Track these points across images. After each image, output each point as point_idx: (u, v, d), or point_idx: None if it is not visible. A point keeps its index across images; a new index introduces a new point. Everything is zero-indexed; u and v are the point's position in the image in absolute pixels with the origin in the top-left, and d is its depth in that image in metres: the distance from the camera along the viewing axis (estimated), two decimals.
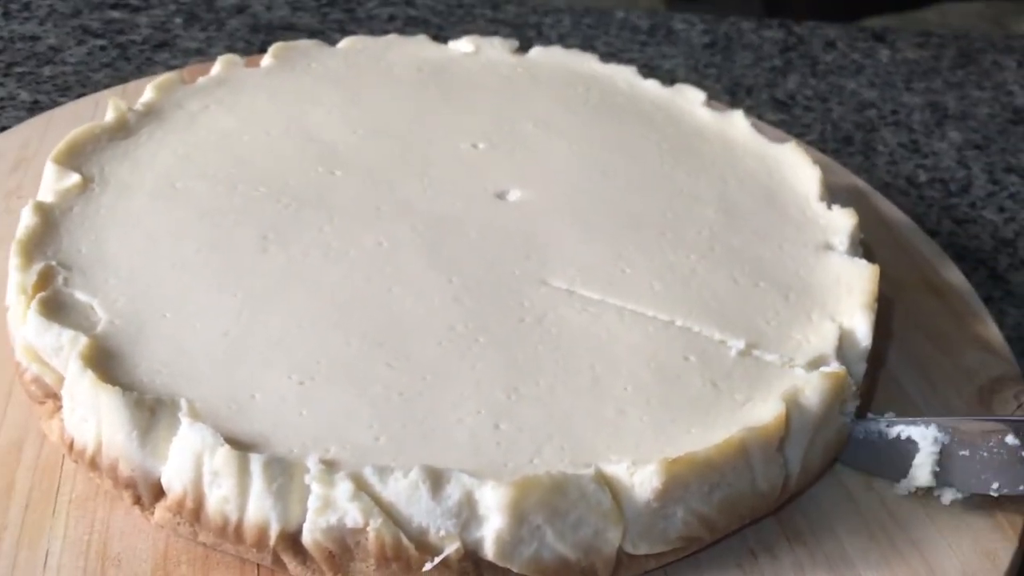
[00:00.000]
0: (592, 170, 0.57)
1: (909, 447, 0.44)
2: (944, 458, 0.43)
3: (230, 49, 0.91)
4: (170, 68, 0.85)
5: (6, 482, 0.41)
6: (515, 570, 0.37)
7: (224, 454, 0.36)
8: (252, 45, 0.90)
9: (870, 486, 0.45)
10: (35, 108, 0.79)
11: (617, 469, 0.38)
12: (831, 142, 0.83)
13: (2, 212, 0.56)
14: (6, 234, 0.53)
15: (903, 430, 0.44)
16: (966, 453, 0.43)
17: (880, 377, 0.51)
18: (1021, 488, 0.42)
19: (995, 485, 0.43)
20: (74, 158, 0.52)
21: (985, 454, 0.43)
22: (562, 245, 0.51)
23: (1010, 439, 0.42)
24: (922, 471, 0.43)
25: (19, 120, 0.74)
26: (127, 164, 0.53)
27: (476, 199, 0.54)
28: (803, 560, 0.41)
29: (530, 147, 0.58)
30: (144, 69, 0.86)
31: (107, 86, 0.77)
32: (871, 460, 0.45)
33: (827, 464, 0.45)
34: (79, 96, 0.76)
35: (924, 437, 0.43)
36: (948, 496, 0.44)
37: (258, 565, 0.38)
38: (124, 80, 0.81)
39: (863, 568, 0.41)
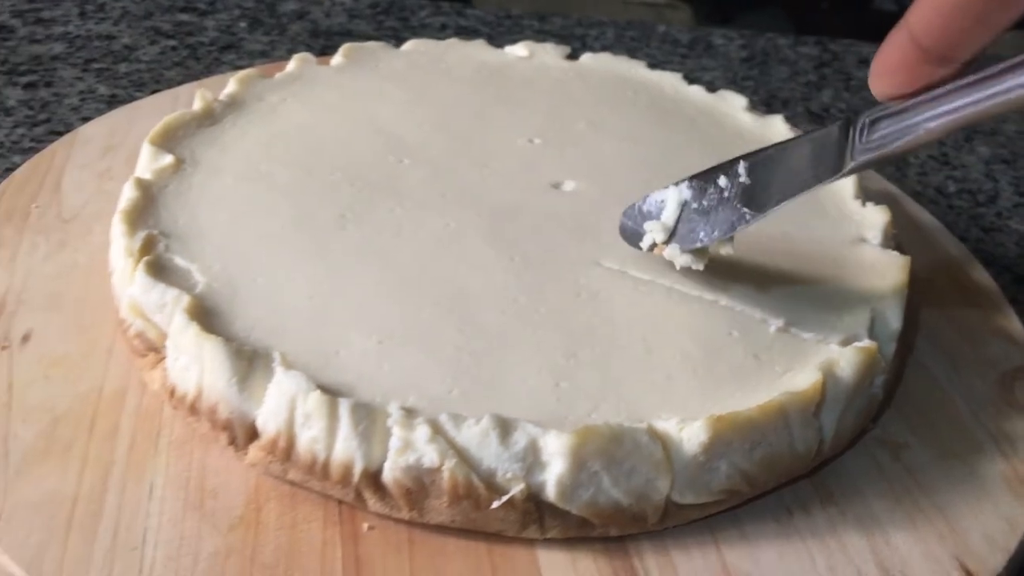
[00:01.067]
0: (640, 166, 0.61)
1: (661, 208, 0.45)
2: (683, 215, 0.44)
3: (291, 52, 0.96)
4: (236, 68, 0.90)
5: (111, 425, 0.45)
6: (573, 512, 0.41)
7: (316, 398, 0.41)
8: (312, 49, 0.95)
9: (897, 456, 0.48)
10: (113, 101, 0.84)
11: (667, 425, 0.42)
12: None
13: (95, 192, 0.61)
14: (100, 211, 0.58)
15: (662, 193, 0.45)
16: (695, 205, 0.43)
17: (909, 362, 0.54)
18: (715, 234, 0.43)
19: (701, 235, 0.43)
20: (167, 141, 0.57)
21: (704, 203, 0.43)
22: (613, 231, 0.55)
23: (722, 180, 0.43)
24: (655, 227, 0.45)
25: (99, 112, 0.79)
26: (215, 148, 0.58)
27: (533, 188, 0.58)
28: (835, 519, 0.45)
29: (582, 144, 0.63)
30: (212, 68, 0.92)
31: (179, 83, 0.82)
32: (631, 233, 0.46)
33: (857, 433, 0.48)
34: (153, 92, 0.81)
35: (673, 197, 0.44)
36: (670, 253, 0.45)
37: (339, 501, 0.42)
38: (195, 78, 0.86)
39: (891, 528, 0.45)
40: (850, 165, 0.41)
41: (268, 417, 0.42)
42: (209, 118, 0.60)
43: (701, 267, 0.46)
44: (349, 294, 0.48)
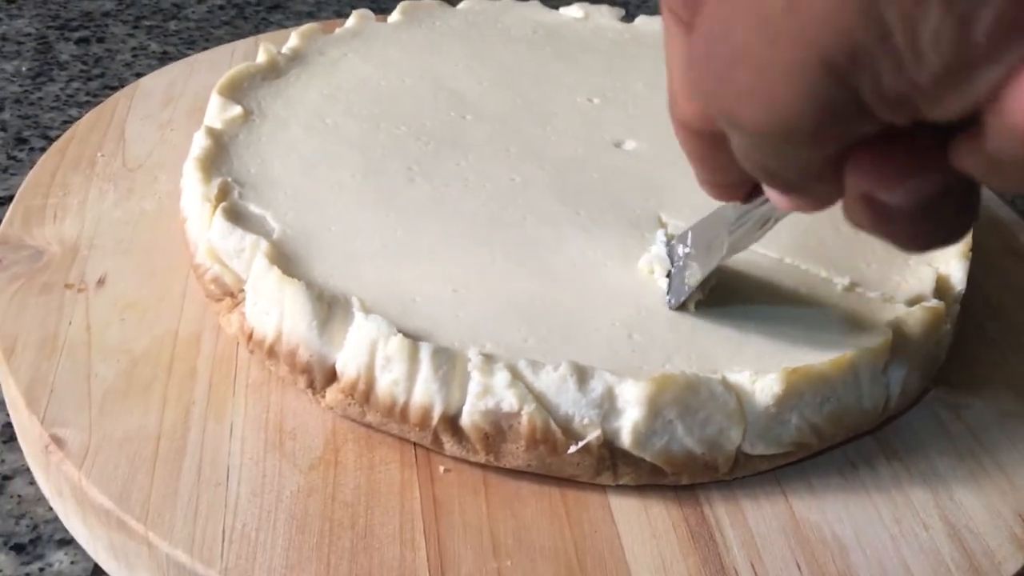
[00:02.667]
0: None
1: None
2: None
3: (338, 14, 0.96)
4: (283, 28, 0.91)
5: (189, 367, 0.46)
6: (647, 459, 0.42)
7: (397, 342, 0.41)
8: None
9: (958, 415, 0.49)
10: (164, 58, 0.84)
11: (741, 377, 0.42)
12: None
13: (158, 142, 0.61)
14: (164, 160, 0.59)
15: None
16: (679, 263, 0.46)
17: (967, 323, 0.55)
18: (671, 300, 0.46)
19: (671, 300, 0.46)
20: (234, 92, 0.57)
21: (680, 263, 0.46)
22: (677, 189, 0.55)
23: (682, 248, 0.46)
24: (664, 282, 0.47)
25: (151, 68, 0.80)
26: (280, 100, 0.58)
27: (595, 146, 0.58)
28: (899, 474, 0.45)
29: (641, 104, 0.63)
30: (260, 28, 0.92)
31: (227, 41, 0.83)
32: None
33: (921, 391, 0.49)
34: (203, 49, 0.81)
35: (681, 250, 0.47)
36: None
37: (415, 444, 0.43)
38: (242, 36, 0.86)
39: (954, 484, 0.45)
40: (731, 247, 0.42)
41: (348, 360, 0.43)
42: (273, 71, 0.60)
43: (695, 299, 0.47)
44: (421, 244, 0.49)
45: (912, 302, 0.49)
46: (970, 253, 0.52)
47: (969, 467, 0.46)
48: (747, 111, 0.24)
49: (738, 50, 0.24)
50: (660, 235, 0.51)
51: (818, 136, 0.24)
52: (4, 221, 0.54)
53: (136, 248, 0.52)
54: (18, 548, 0.44)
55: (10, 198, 0.64)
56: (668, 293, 0.47)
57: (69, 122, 0.74)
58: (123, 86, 0.74)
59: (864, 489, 0.44)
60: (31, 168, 0.64)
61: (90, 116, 0.63)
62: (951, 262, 0.51)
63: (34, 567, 0.43)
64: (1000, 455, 0.47)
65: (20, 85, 0.79)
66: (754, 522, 0.42)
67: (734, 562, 0.40)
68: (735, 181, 0.33)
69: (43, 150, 0.70)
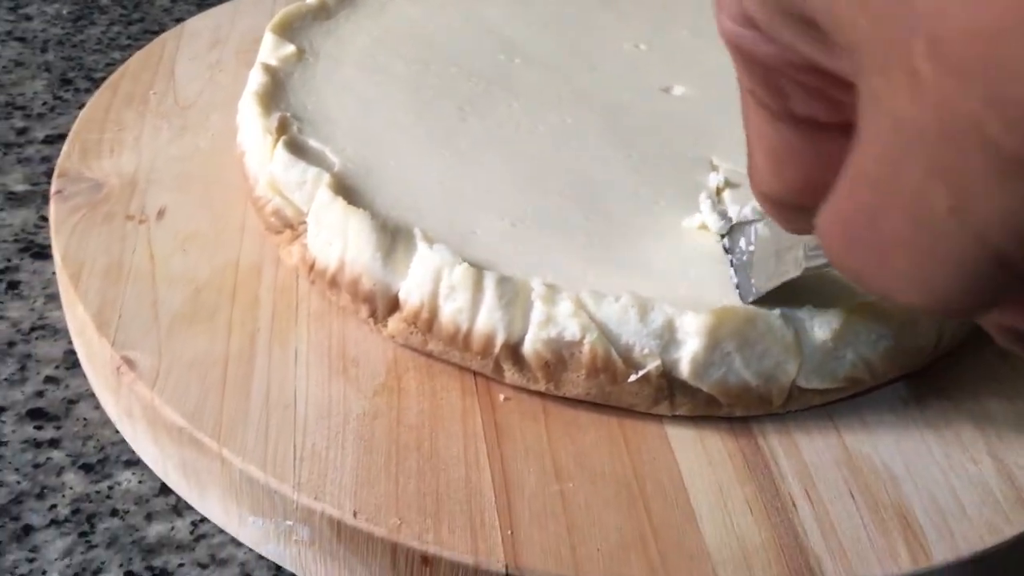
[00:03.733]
0: None
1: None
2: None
3: None
4: None
5: (252, 296, 0.47)
6: (704, 389, 0.43)
7: (462, 271, 0.42)
8: None
9: (1005, 358, 0.50)
10: (203, 3, 0.85)
11: (799, 312, 0.43)
12: None
13: (208, 82, 0.62)
14: (214, 99, 0.60)
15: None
16: (741, 256, 0.45)
17: None
18: (739, 293, 0.44)
19: (738, 292, 0.44)
20: (287, 31, 0.58)
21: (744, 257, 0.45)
22: (726, 134, 0.56)
23: (742, 242, 0.45)
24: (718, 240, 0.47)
25: (190, 13, 0.80)
26: (331, 40, 0.59)
27: (643, 91, 0.59)
28: (949, 412, 0.46)
29: (687, 50, 0.63)
30: None
31: None
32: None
33: (968, 334, 0.49)
34: None
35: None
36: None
37: (475, 373, 0.44)
38: None
39: (1003, 424, 0.46)
40: (806, 269, 0.41)
41: (412, 289, 0.43)
42: (324, 12, 0.61)
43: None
44: (478, 180, 0.49)
45: None
46: None
47: (1017, 408, 0.47)
48: (900, 291, 0.23)
49: (890, 240, 0.22)
50: (712, 177, 0.52)
51: (977, 311, 0.23)
52: (62, 154, 0.54)
53: (193, 183, 0.53)
54: (87, 468, 0.45)
55: (59, 136, 0.66)
56: (733, 276, 0.46)
57: (112, 64, 0.75)
58: (163, 30, 0.74)
59: (915, 425, 0.45)
60: (77, 108, 0.64)
61: (140, 55, 0.64)
62: None
63: (103, 485, 0.44)
64: None
65: (62, 28, 0.79)
66: (807, 453, 0.43)
67: (789, 490, 0.41)
68: None
69: (88, 91, 0.71)
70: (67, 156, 0.54)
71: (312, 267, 0.46)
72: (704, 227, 0.48)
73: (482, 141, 0.52)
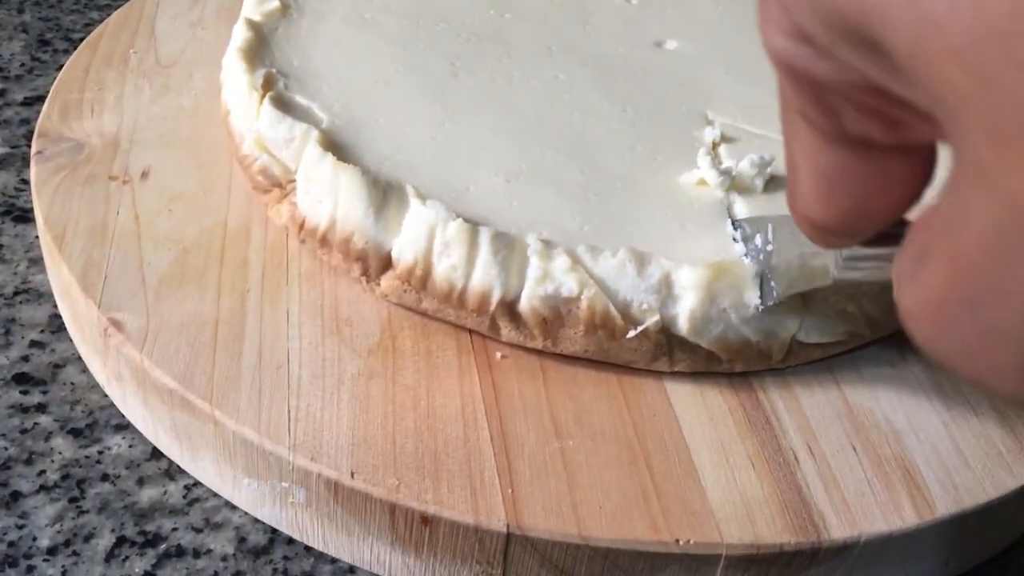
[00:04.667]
0: (740, 26, 0.61)
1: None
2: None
3: None
4: None
5: (240, 257, 0.46)
6: (703, 345, 0.42)
7: (457, 227, 0.41)
8: None
9: None
10: None
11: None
12: None
13: (190, 39, 0.60)
14: (197, 57, 0.58)
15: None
16: (757, 255, 0.42)
17: None
18: (761, 300, 0.41)
19: (761, 299, 0.42)
20: None
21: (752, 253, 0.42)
22: (720, 88, 0.55)
23: (758, 239, 0.42)
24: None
25: None
26: None
27: (637, 46, 0.58)
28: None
29: (680, 5, 0.62)
30: None
31: None
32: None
33: None
34: None
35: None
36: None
37: (471, 331, 0.43)
38: None
39: None
40: (839, 279, 0.39)
41: (405, 246, 0.42)
42: None
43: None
44: (471, 135, 0.48)
45: None
46: None
47: None
48: (999, 383, 0.22)
49: (994, 332, 0.21)
50: (708, 132, 0.51)
51: None
52: (42, 115, 0.53)
53: (177, 142, 0.52)
54: (75, 432, 0.44)
55: (38, 98, 0.64)
56: (746, 258, 0.43)
57: (91, 24, 0.73)
58: None
59: (914, 377, 0.45)
60: (56, 70, 0.63)
61: (119, 14, 0.62)
62: None
63: (92, 450, 0.43)
64: None
65: None
66: (808, 407, 0.43)
67: (791, 444, 0.41)
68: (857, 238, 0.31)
69: (66, 52, 0.69)
70: (47, 116, 0.53)
71: (302, 226, 0.45)
72: (703, 182, 0.47)
73: (474, 96, 0.51)
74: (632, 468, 0.39)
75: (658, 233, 0.45)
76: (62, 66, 0.57)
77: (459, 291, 0.42)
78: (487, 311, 0.42)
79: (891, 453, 0.41)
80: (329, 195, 0.44)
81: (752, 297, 0.42)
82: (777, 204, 0.47)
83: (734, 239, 0.44)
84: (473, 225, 0.41)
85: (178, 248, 0.46)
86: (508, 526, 0.36)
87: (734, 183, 0.47)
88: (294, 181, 0.46)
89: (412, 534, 0.38)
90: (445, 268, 0.42)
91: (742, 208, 0.47)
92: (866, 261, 0.36)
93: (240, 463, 0.39)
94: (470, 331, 0.44)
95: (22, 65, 0.68)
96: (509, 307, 0.42)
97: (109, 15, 0.63)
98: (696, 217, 0.46)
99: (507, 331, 0.42)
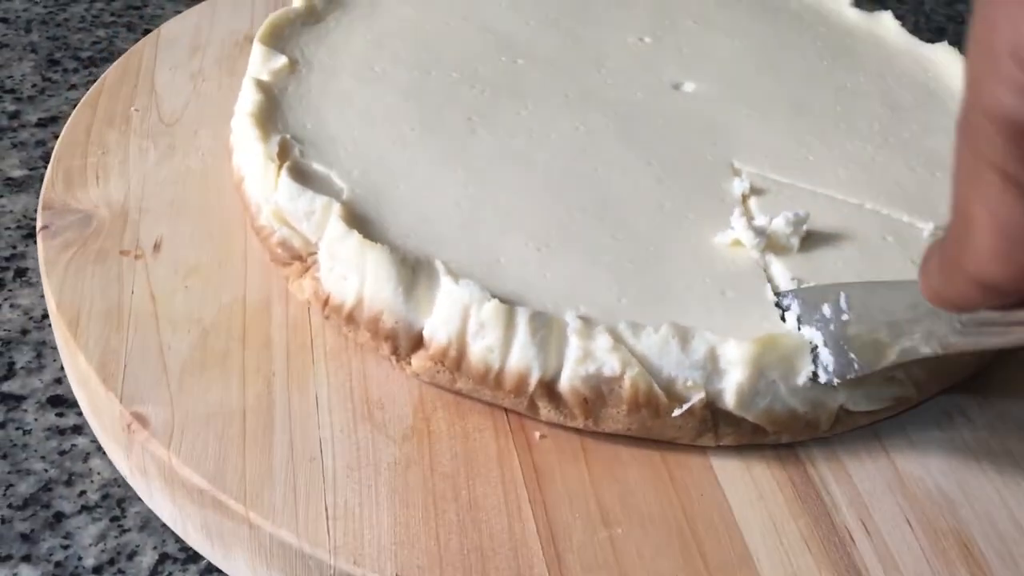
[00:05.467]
0: (758, 65, 0.59)
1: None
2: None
3: None
4: None
5: (263, 336, 0.44)
6: (750, 419, 0.41)
7: (492, 307, 0.40)
8: None
9: None
10: None
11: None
12: (925, 32, 0.85)
13: (192, 93, 0.58)
14: (201, 114, 0.57)
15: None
16: (806, 318, 0.41)
17: None
18: (831, 374, 0.40)
19: (822, 375, 0.40)
20: (276, 40, 0.54)
21: (813, 325, 0.41)
22: (744, 132, 0.54)
23: (826, 309, 0.40)
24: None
25: (165, 19, 0.76)
26: (324, 48, 0.55)
27: (654, 89, 0.56)
28: (994, 422, 0.45)
29: (694, 42, 0.61)
30: None
31: None
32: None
33: None
34: None
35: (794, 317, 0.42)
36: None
37: (507, 410, 0.42)
38: None
39: None
40: (952, 346, 0.38)
41: (438, 326, 0.41)
42: (312, 15, 0.57)
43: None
44: (497, 199, 0.47)
45: None
46: None
47: None
48: None
49: None
50: (737, 184, 0.50)
51: None
52: (45, 184, 0.51)
53: (188, 210, 0.50)
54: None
55: (51, 119, 0.63)
56: (814, 353, 0.41)
57: (97, 42, 0.72)
58: (146, 5, 0.71)
59: (962, 440, 0.44)
60: (67, 90, 0.61)
61: (116, 67, 0.60)
62: None
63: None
64: None
65: (44, 7, 0.76)
66: (858, 479, 0.41)
67: (844, 521, 0.40)
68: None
69: (76, 71, 0.68)
70: (50, 186, 0.51)
71: (327, 302, 0.44)
72: (738, 243, 0.46)
73: (496, 154, 0.50)
74: (685, 556, 0.38)
75: (698, 302, 0.43)
76: (73, 86, 0.56)
77: (496, 372, 0.41)
78: (526, 392, 0.40)
79: (947, 526, 0.40)
80: (355, 272, 0.42)
81: (820, 373, 0.40)
82: (814, 263, 0.46)
83: (779, 306, 0.43)
84: (510, 306, 0.40)
85: (198, 329, 0.44)
86: None
87: (769, 242, 0.46)
88: (315, 254, 0.45)
89: None
90: (481, 349, 0.40)
91: (779, 269, 0.45)
92: (990, 327, 0.35)
93: (277, 564, 0.38)
94: (507, 410, 0.42)
95: (33, 86, 0.67)
96: (548, 387, 0.40)
97: (115, 32, 0.61)
98: (735, 282, 0.44)
99: (546, 411, 0.41)
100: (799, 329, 0.41)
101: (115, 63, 0.61)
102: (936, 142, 0.54)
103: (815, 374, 0.40)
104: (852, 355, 0.40)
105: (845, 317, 0.40)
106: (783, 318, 0.42)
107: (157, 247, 0.48)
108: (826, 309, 0.41)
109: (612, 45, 0.59)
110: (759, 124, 0.54)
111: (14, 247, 0.54)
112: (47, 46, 0.71)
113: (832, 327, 0.40)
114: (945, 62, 0.61)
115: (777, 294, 0.43)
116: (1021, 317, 0.33)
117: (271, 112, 0.49)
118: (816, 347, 0.41)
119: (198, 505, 0.39)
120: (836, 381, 0.40)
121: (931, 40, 0.64)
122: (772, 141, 0.53)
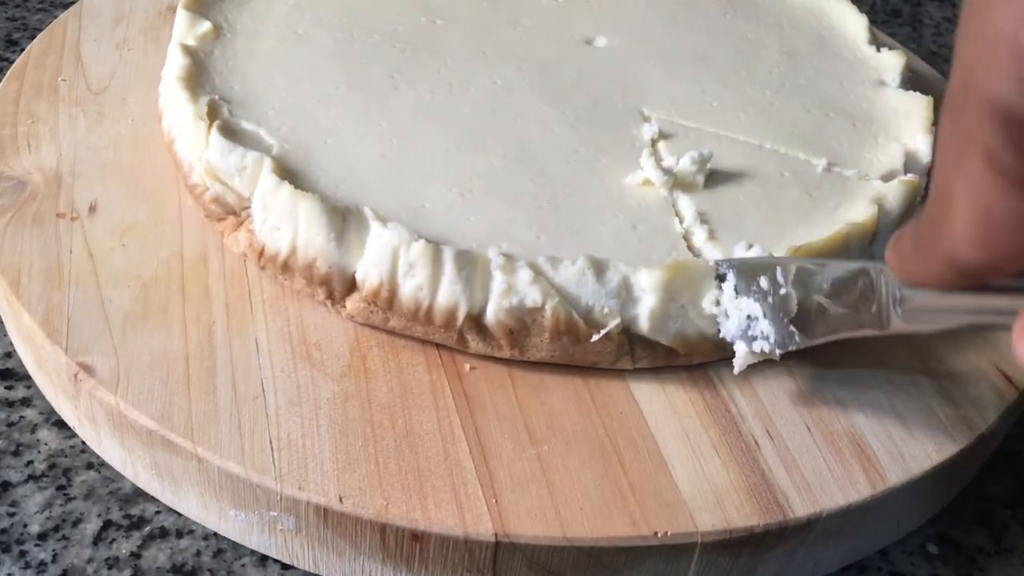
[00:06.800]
0: (664, 20, 0.62)
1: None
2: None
3: None
4: None
5: (202, 288, 0.46)
6: (663, 342, 0.44)
7: (420, 247, 0.42)
8: None
9: None
10: None
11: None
12: (880, 14, 0.89)
13: (118, 63, 0.59)
14: (128, 82, 0.58)
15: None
16: (739, 289, 0.42)
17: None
18: (771, 343, 0.41)
19: (761, 344, 0.42)
20: (200, 7, 0.56)
21: (748, 296, 0.42)
22: (652, 83, 0.57)
23: (763, 281, 0.42)
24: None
25: None
26: (246, 13, 0.57)
27: (567, 45, 0.59)
28: (885, 340, 0.49)
29: (604, 0, 0.64)
30: None
31: None
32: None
33: None
34: None
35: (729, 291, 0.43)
36: (740, 352, 0.43)
37: (438, 345, 0.45)
38: None
39: (937, 344, 0.49)
40: (892, 329, 0.40)
41: (369, 268, 0.43)
42: None
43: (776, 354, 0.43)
44: (419, 150, 0.49)
45: (886, 177, 0.52)
46: (934, 128, 0.55)
47: None
48: None
49: None
50: (646, 129, 0.53)
51: None
52: None
53: (121, 172, 0.52)
54: (60, 424, 0.46)
55: None
56: (746, 323, 0.42)
57: None
58: None
59: (857, 354, 0.47)
60: None
61: (41, 39, 0.61)
62: (917, 137, 0.54)
63: (76, 440, 0.45)
64: None
65: None
66: (763, 392, 0.45)
67: (750, 429, 0.43)
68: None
69: None
70: None
71: (262, 253, 0.46)
72: (648, 183, 0.49)
73: (418, 108, 0.52)
74: (606, 467, 0.41)
75: (611, 236, 0.46)
76: None
77: (426, 309, 0.43)
78: (454, 326, 0.43)
79: (842, 429, 0.44)
80: (288, 222, 0.44)
81: (761, 344, 0.42)
82: (718, 199, 0.49)
83: (717, 277, 0.43)
84: (436, 245, 0.42)
85: (138, 284, 0.46)
86: (496, 535, 0.38)
87: (676, 180, 0.49)
88: (249, 208, 0.47)
89: (403, 551, 0.39)
90: (411, 288, 0.43)
91: (686, 204, 0.49)
92: (930, 312, 0.38)
93: (226, 496, 0.40)
94: (437, 345, 0.45)
95: None
96: (475, 321, 0.43)
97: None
98: (645, 218, 0.48)
99: (475, 343, 0.44)
100: (736, 298, 0.42)
101: (39, 35, 0.62)
102: (829, 86, 0.58)
103: (752, 342, 0.42)
104: (792, 328, 0.41)
105: (783, 291, 0.42)
106: (719, 287, 0.43)
107: (92, 209, 0.49)
108: (763, 282, 0.42)
109: (527, 4, 0.62)
110: (666, 74, 0.58)
111: None
112: (5, 26, 0.71)
113: (770, 299, 0.42)
114: (838, 12, 0.65)
115: (715, 264, 0.44)
116: (958, 303, 0.36)
117: (198, 75, 0.51)
118: (755, 318, 0.42)
119: (148, 446, 0.41)
120: (778, 352, 0.42)
121: (887, 22, 0.66)
122: (678, 89, 0.56)
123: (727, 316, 0.43)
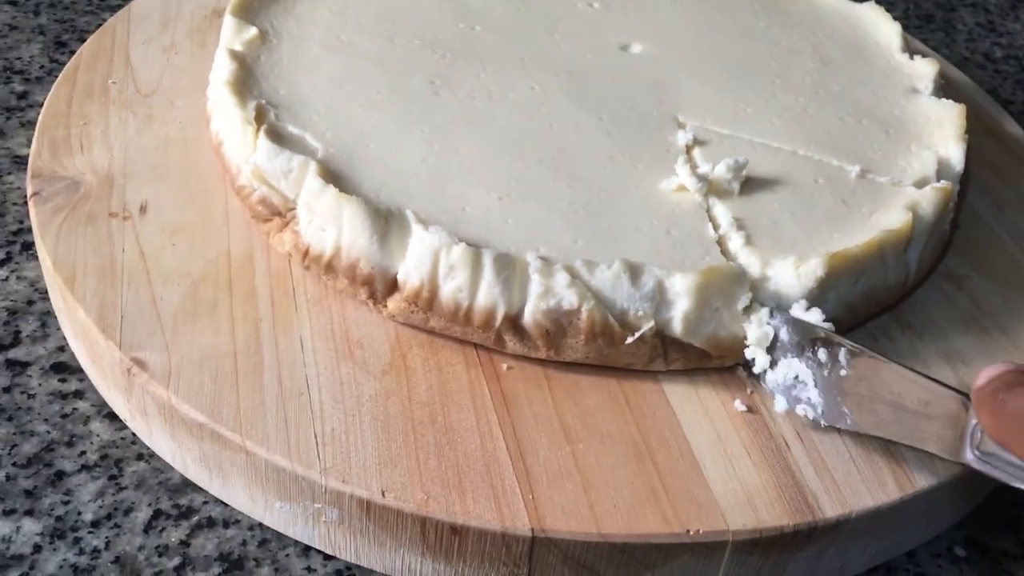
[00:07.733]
0: (699, 26, 0.63)
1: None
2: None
3: None
4: None
5: (248, 286, 0.48)
6: (696, 345, 0.45)
7: (460, 250, 0.44)
8: None
9: (960, 287, 0.53)
10: None
11: (784, 263, 0.46)
12: (913, 19, 0.89)
13: (166, 66, 0.61)
14: (176, 85, 0.60)
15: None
16: (790, 345, 0.43)
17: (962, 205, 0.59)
18: (819, 414, 0.42)
19: (808, 411, 0.43)
20: (246, 13, 0.58)
21: (801, 357, 0.42)
22: (687, 89, 0.58)
23: (822, 353, 0.42)
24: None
25: None
26: (291, 19, 0.59)
27: (603, 51, 0.60)
28: (914, 342, 0.50)
29: (639, 6, 0.65)
30: None
31: None
32: None
33: (932, 267, 0.53)
34: None
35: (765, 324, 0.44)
36: (779, 402, 0.44)
37: (476, 345, 0.46)
38: None
39: (963, 347, 0.49)
40: (962, 461, 0.40)
41: (411, 270, 0.45)
42: None
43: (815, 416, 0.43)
44: (460, 155, 0.51)
45: (919, 184, 0.52)
46: (967, 136, 0.55)
47: (975, 332, 0.51)
48: None
49: None
50: (681, 135, 0.54)
51: None
52: (32, 154, 0.54)
53: (170, 174, 0.53)
54: (111, 416, 0.47)
55: None
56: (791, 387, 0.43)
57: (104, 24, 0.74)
58: None
59: (887, 357, 0.48)
60: None
61: (91, 43, 0.63)
62: (949, 144, 0.55)
63: (127, 432, 0.47)
64: (1000, 318, 0.52)
65: None
66: None
67: (781, 431, 0.44)
68: None
69: None
70: (37, 155, 0.54)
71: (306, 253, 0.47)
72: (682, 188, 0.50)
73: (458, 114, 0.53)
74: (640, 466, 0.42)
75: (646, 241, 0.47)
76: None
77: (465, 310, 0.45)
78: (493, 327, 0.45)
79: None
80: (333, 224, 0.46)
81: (806, 409, 0.43)
82: (753, 205, 0.50)
83: (769, 324, 0.44)
84: (476, 248, 0.44)
85: (187, 282, 0.48)
86: (532, 530, 0.39)
87: (711, 187, 0.50)
88: (294, 210, 0.48)
89: (442, 544, 0.40)
90: (451, 289, 0.44)
91: (721, 210, 0.50)
92: (1006, 465, 0.38)
93: (272, 488, 0.42)
94: (476, 345, 0.46)
95: (42, 67, 0.70)
96: (513, 322, 0.45)
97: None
98: (680, 223, 0.49)
99: (512, 344, 0.45)
100: (784, 357, 0.43)
101: (89, 39, 0.63)
102: (862, 94, 0.59)
103: (797, 404, 0.43)
104: (846, 410, 0.42)
105: (844, 372, 0.42)
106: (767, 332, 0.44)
107: (143, 209, 0.51)
108: (822, 354, 0.42)
109: (563, 10, 0.63)
110: (701, 81, 0.59)
111: (21, 222, 0.57)
112: (55, 28, 0.74)
113: (827, 373, 0.42)
114: (872, 19, 0.65)
115: (770, 312, 0.44)
116: None
117: (245, 80, 0.53)
118: (803, 383, 0.43)
119: (197, 439, 0.43)
120: (823, 423, 0.43)
121: (920, 27, 0.67)
122: (713, 96, 0.57)
123: (771, 367, 0.44)
